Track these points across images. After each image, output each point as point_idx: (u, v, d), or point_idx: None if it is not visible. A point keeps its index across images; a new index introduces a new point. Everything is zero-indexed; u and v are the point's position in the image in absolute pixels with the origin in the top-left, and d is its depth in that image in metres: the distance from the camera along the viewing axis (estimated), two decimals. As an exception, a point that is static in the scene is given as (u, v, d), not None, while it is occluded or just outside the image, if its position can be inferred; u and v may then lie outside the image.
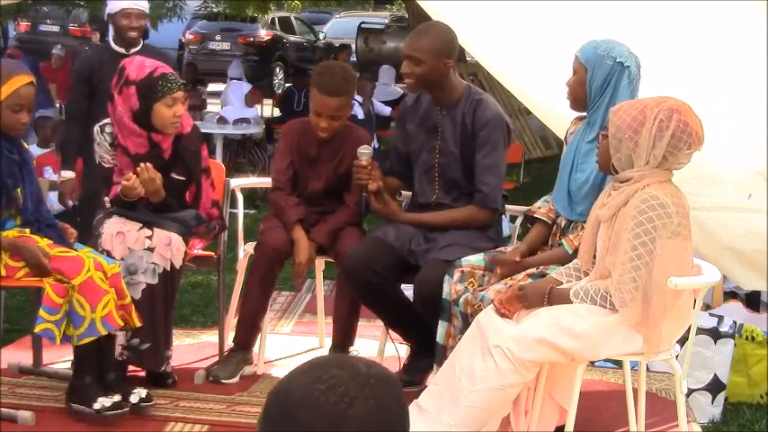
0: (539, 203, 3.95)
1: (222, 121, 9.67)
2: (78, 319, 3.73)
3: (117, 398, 3.85)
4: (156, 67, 4.13)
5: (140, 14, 5.14)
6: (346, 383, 1.40)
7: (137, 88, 4.09)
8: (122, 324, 3.84)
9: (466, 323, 3.65)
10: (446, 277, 3.80)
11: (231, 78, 11.39)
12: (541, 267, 3.71)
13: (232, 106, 10.36)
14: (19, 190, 3.88)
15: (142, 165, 4.04)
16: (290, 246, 4.34)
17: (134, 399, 3.90)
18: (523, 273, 3.70)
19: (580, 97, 3.73)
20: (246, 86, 11.03)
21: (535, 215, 3.91)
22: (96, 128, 4.26)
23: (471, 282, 3.78)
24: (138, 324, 3.93)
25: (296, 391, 1.40)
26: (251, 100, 10.67)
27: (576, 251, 3.65)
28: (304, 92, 10.89)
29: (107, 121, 4.24)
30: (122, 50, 5.11)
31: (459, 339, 3.67)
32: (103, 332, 3.75)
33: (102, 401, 3.81)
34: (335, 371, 1.41)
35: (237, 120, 9.72)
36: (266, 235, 4.38)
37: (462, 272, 3.79)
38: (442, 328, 3.79)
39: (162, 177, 4.12)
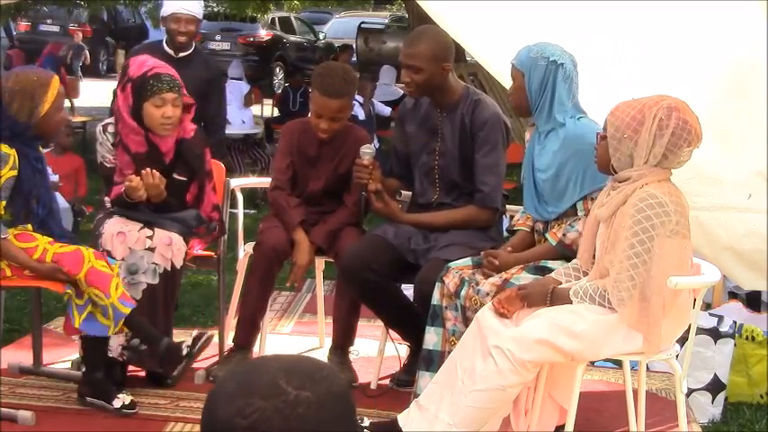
0: (517, 216, 4.00)
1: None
2: (105, 309, 3.80)
3: (131, 397, 3.94)
4: (153, 67, 4.13)
5: (190, 19, 5.06)
6: (269, 418, 1.28)
7: (132, 85, 4.11)
8: (135, 303, 3.90)
9: (464, 316, 3.68)
10: (436, 284, 3.81)
11: (231, 78, 11.38)
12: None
13: (230, 106, 10.35)
14: (35, 200, 3.94)
15: (146, 170, 4.05)
16: (290, 246, 4.34)
17: (117, 404, 3.93)
18: (517, 267, 3.72)
19: (523, 103, 3.78)
20: (245, 87, 11.01)
21: (515, 228, 3.95)
22: (99, 127, 4.28)
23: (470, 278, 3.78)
24: (125, 331, 3.96)
25: (219, 421, 1.30)
26: (249, 100, 10.66)
27: (560, 242, 3.69)
28: (300, 92, 10.88)
29: (110, 120, 4.26)
30: (172, 53, 5.07)
31: (455, 342, 3.69)
32: (126, 311, 3.81)
33: (123, 399, 3.91)
34: (259, 402, 1.29)
35: (234, 120, 9.73)
36: (265, 235, 4.38)
37: (451, 272, 3.80)
38: (435, 335, 3.79)
39: (164, 179, 4.14)
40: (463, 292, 3.71)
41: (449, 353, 3.71)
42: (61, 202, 6.83)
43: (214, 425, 1.31)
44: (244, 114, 10.16)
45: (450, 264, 3.84)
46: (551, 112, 3.70)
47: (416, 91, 4.12)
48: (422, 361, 3.83)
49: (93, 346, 4.01)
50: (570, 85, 3.71)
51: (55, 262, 3.79)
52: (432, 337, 3.79)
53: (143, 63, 4.17)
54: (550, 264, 3.70)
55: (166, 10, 5.14)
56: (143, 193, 4.06)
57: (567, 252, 3.70)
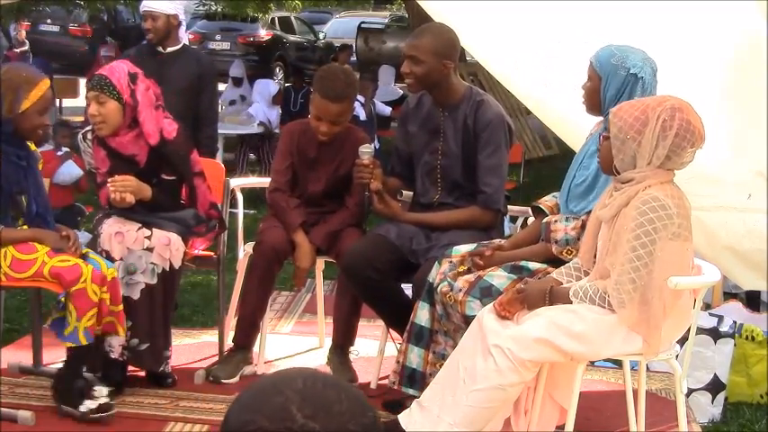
0: (547, 197, 3.95)
1: (249, 120, 9.75)
2: (65, 325, 3.80)
3: (103, 400, 3.84)
4: (106, 68, 4.18)
5: (154, 16, 5.15)
6: None
7: None
8: (100, 333, 3.90)
9: (444, 310, 3.72)
10: (435, 263, 3.83)
11: (232, 77, 11.39)
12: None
13: (258, 104, 10.37)
14: (24, 197, 3.92)
15: (109, 181, 4.05)
16: (289, 245, 4.34)
17: (83, 408, 3.83)
18: (495, 266, 3.72)
19: (595, 103, 3.70)
20: (274, 87, 11.05)
21: (540, 205, 3.91)
22: (79, 135, 4.29)
23: (462, 267, 3.79)
24: (122, 334, 3.96)
25: (228, 428, 1.28)
26: (278, 100, 10.74)
27: (546, 224, 3.70)
28: (301, 93, 10.88)
29: (88, 128, 4.25)
30: (161, 49, 5.18)
31: (443, 324, 3.75)
32: (84, 342, 3.80)
33: (89, 404, 3.83)
34: (263, 422, 1.24)
35: (262, 122, 9.82)
36: (265, 234, 4.37)
37: (451, 262, 3.81)
38: (428, 312, 3.80)
39: (147, 180, 4.15)
40: (440, 288, 3.73)
41: (437, 332, 3.77)
42: (75, 169, 6.83)
43: (226, 429, 1.29)
44: (270, 113, 10.19)
45: (452, 250, 3.84)
46: None
47: (415, 83, 4.11)
48: (412, 335, 3.84)
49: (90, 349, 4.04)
50: (647, 96, 3.57)
51: (52, 276, 3.78)
52: (424, 314, 3.81)
53: (110, 63, 4.27)
54: (531, 264, 3.69)
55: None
56: (131, 199, 4.05)
57: (545, 233, 3.71)
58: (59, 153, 6.96)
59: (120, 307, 3.92)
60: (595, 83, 3.66)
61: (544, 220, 3.76)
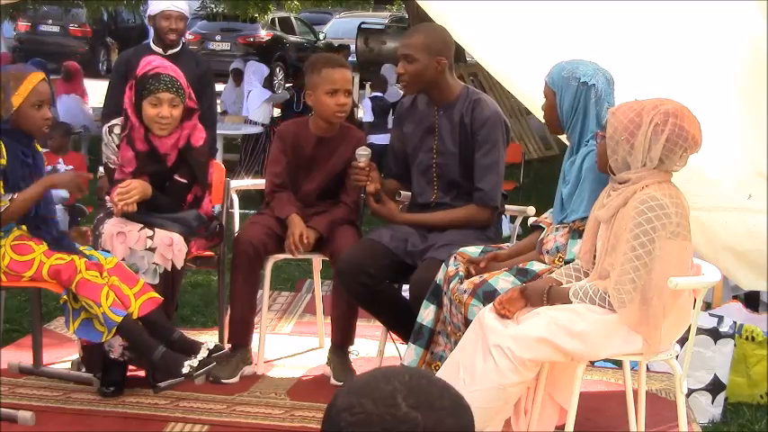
0: (545, 214, 3.95)
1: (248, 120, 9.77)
2: (91, 324, 3.79)
3: (202, 355, 3.85)
4: (156, 67, 4.13)
5: (180, 16, 5.14)
6: (372, 423, 1.33)
7: (134, 83, 4.13)
8: (128, 307, 3.83)
9: (449, 308, 3.71)
10: (442, 265, 3.83)
11: (233, 69, 11.40)
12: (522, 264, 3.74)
13: (256, 90, 10.34)
14: None
15: (116, 195, 4.04)
16: (270, 240, 4.36)
17: (185, 370, 3.82)
18: (500, 269, 3.72)
19: (555, 121, 3.75)
20: (266, 69, 11.05)
21: (540, 224, 3.92)
22: (105, 128, 4.28)
23: (465, 268, 3.80)
24: (161, 298, 3.92)
25: (334, 408, 1.37)
26: (268, 83, 10.74)
27: (548, 252, 3.70)
28: (304, 93, 10.87)
29: (116, 122, 4.26)
30: (160, 51, 5.14)
31: (446, 325, 3.73)
32: (117, 319, 3.76)
33: (190, 363, 3.82)
34: (369, 406, 1.34)
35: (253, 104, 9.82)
36: (244, 231, 4.41)
37: (455, 258, 3.81)
38: (432, 313, 3.79)
39: (162, 180, 4.16)
40: (452, 285, 3.73)
41: (439, 333, 3.77)
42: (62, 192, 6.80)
43: (330, 410, 1.37)
44: (262, 95, 10.14)
45: (461, 249, 3.84)
46: (584, 132, 3.67)
47: (410, 82, 4.11)
48: (413, 334, 3.84)
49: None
50: (602, 105, 3.64)
51: (51, 275, 3.78)
52: (428, 314, 3.81)
53: (149, 62, 4.20)
54: (536, 266, 3.69)
55: (155, 8, 5.22)
56: (133, 208, 4.06)
57: (539, 248, 3.73)
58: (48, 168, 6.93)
59: (142, 281, 3.91)
60: (551, 99, 3.72)
61: (539, 237, 3.77)
